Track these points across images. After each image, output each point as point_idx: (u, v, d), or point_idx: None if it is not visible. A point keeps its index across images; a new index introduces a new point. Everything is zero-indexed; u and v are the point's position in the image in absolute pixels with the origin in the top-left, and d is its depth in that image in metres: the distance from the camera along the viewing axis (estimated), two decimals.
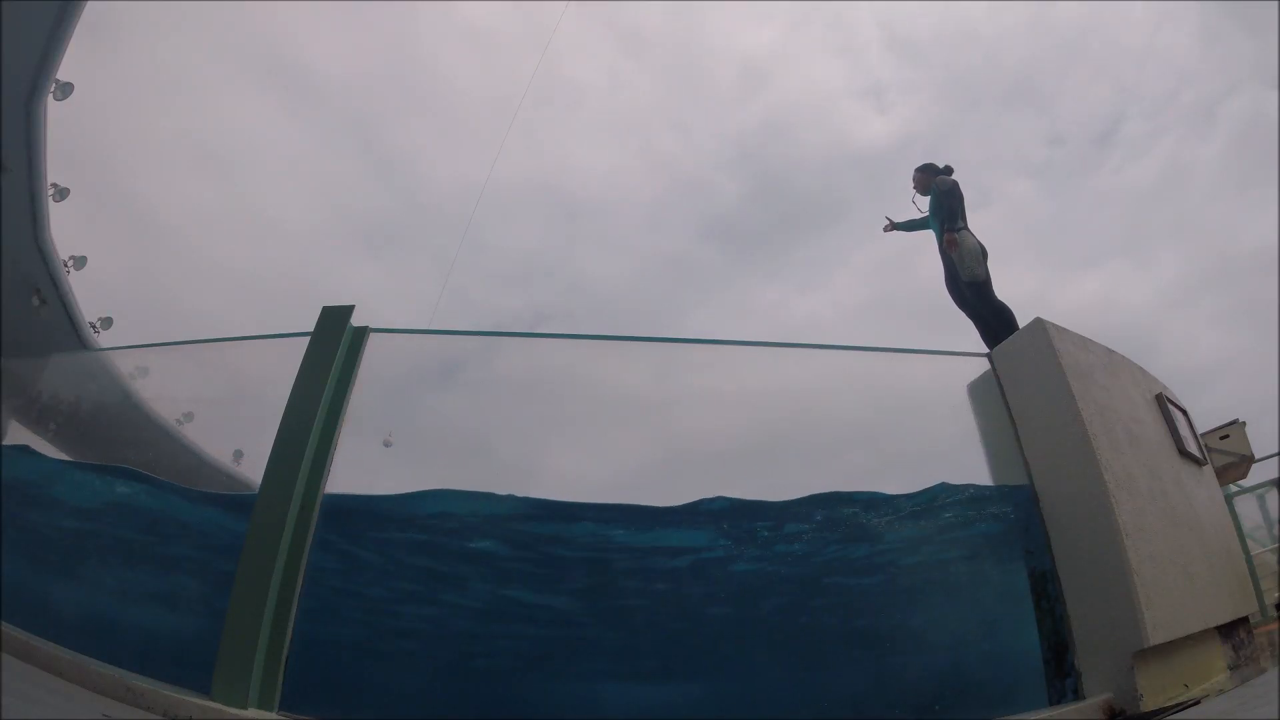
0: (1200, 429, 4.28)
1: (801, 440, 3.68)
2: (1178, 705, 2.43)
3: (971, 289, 4.28)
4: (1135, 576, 2.58)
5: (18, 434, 4.08)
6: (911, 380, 3.62)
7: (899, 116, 36.84)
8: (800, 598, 3.48)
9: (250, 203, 29.25)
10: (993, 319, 4.16)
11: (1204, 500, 3.66)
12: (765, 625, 3.36)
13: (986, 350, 3.60)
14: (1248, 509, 7.58)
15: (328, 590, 3.08)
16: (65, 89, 7.51)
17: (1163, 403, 3.67)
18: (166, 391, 4.16)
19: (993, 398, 3.36)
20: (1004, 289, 4.24)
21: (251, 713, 2.12)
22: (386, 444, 3.41)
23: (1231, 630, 3.38)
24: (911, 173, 4.83)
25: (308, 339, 2.81)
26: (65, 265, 9.20)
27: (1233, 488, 7.01)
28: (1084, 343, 3.32)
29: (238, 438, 3.89)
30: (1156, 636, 2.53)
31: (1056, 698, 2.71)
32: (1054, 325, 3.21)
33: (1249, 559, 5.73)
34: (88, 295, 9.75)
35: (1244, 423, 5.66)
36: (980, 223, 4.47)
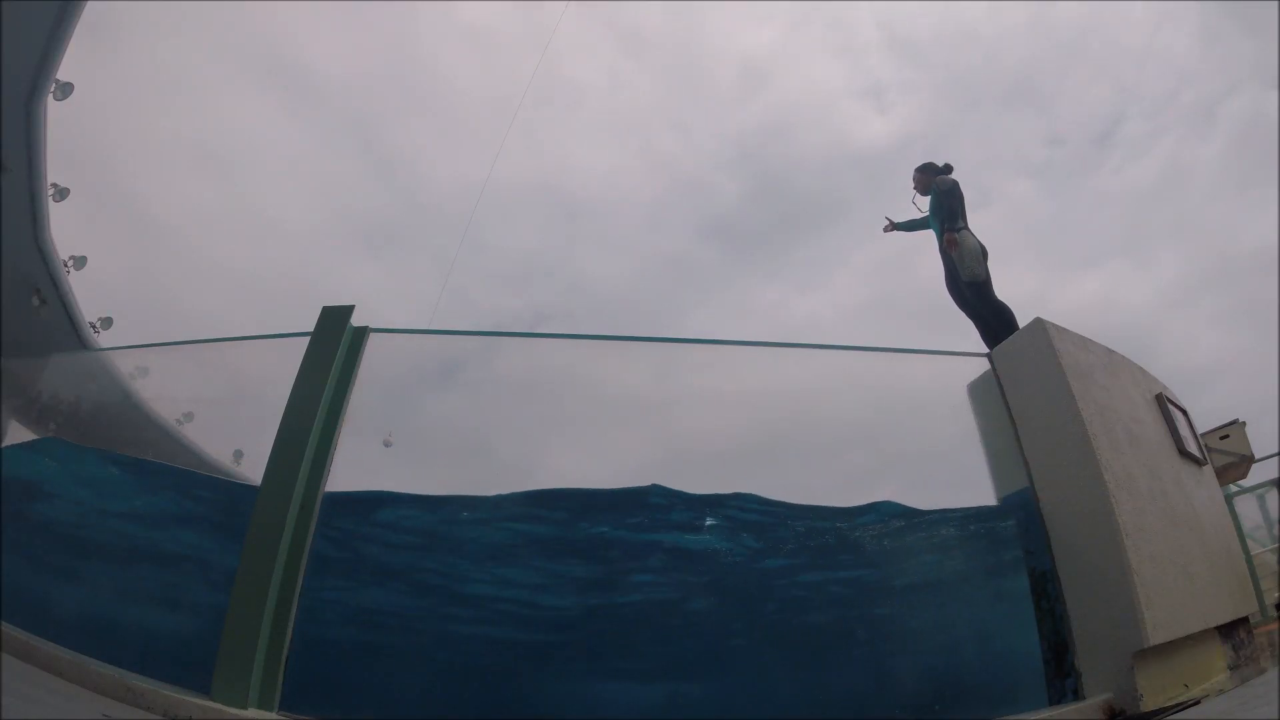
0: (1200, 429, 4.28)
1: (801, 440, 3.68)
2: (1178, 705, 2.43)
3: (971, 289, 4.28)
4: (1135, 576, 2.58)
5: (18, 434, 4.08)
6: (911, 380, 3.62)
7: (899, 116, 36.88)
8: (800, 597, 3.49)
9: (250, 203, 29.28)
10: (993, 319, 4.16)
11: (1204, 500, 3.66)
12: (765, 625, 3.37)
13: (986, 350, 3.60)
14: (1248, 509, 7.58)
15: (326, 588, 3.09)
16: (65, 89, 7.51)
17: (1163, 403, 3.67)
18: (166, 391, 4.15)
19: (993, 398, 3.36)
20: (1004, 289, 4.24)
21: (251, 713, 2.12)
22: (386, 444, 3.41)
23: (1231, 630, 3.37)
24: (911, 173, 4.83)
25: (308, 339, 2.81)
26: (65, 265, 9.19)
27: (1233, 488, 7.01)
28: (1084, 343, 3.32)
29: (238, 438, 3.89)
30: (1156, 636, 2.53)
31: (1056, 698, 2.70)
32: (1054, 325, 3.20)
33: (1249, 559, 5.73)
34: (88, 295, 9.76)
35: (1244, 423, 5.66)
36: (980, 223, 4.47)
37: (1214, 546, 3.49)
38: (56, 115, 7.65)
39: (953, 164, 4.69)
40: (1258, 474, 6.66)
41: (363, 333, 2.86)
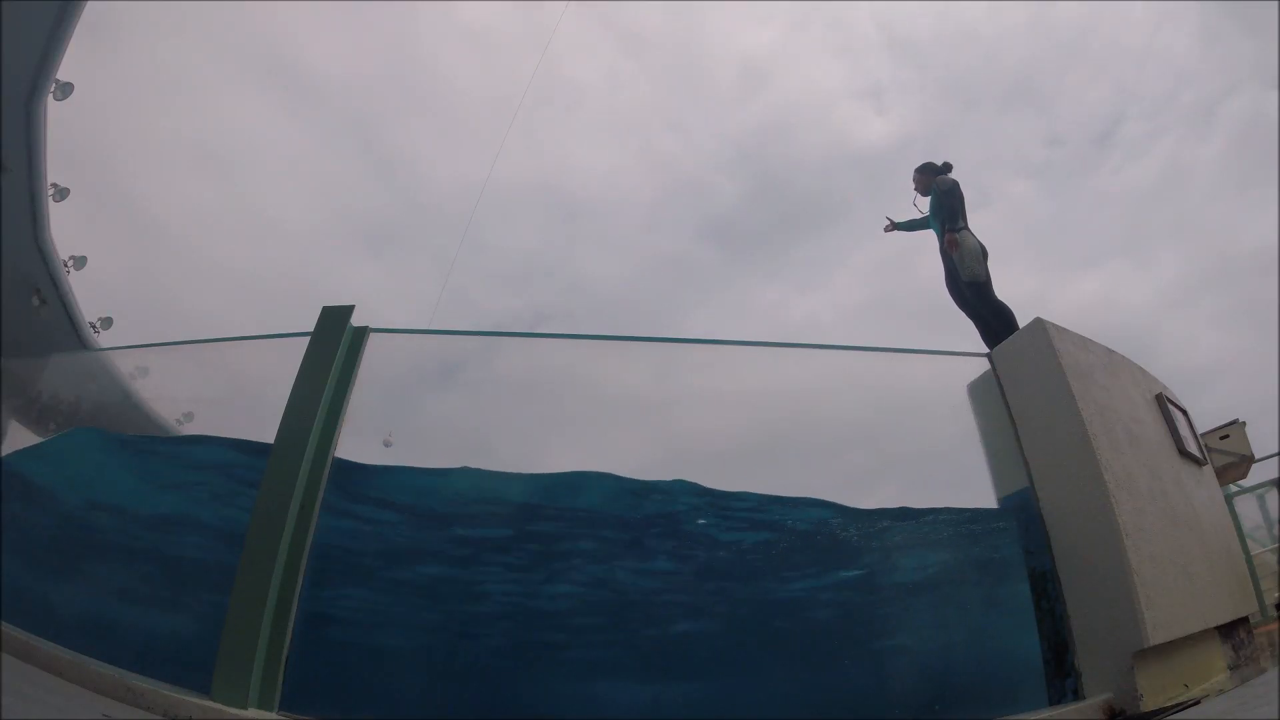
0: (1200, 429, 4.28)
1: (801, 440, 3.68)
2: (1178, 705, 2.43)
3: (971, 289, 4.28)
4: (1135, 576, 2.58)
5: (18, 434, 4.09)
6: (911, 380, 3.62)
7: (898, 117, 36.85)
8: (798, 598, 3.49)
9: (250, 203, 29.26)
10: (993, 319, 4.16)
11: (1204, 500, 3.66)
12: (766, 624, 3.37)
13: (986, 350, 3.60)
14: (1248, 509, 7.58)
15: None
16: (65, 89, 7.51)
17: (1163, 403, 3.67)
18: (166, 391, 4.15)
19: (993, 398, 3.36)
20: (1004, 289, 4.24)
21: (251, 713, 2.12)
22: (386, 444, 3.41)
23: (1231, 630, 3.38)
24: (911, 174, 4.83)
25: (308, 339, 2.81)
26: (65, 265, 9.20)
27: (1233, 488, 7.01)
28: (1084, 343, 3.32)
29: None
30: (1156, 636, 2.53)
31: (1056, 698, 2.70)
32: (1054, 325, 3.21)
33: (1249, 559, 5.73)
34: (88, 295, 9.77)
35: (1244, 423, 5.66)
36: (980, 223, 4.47)
37: (1214, 546, 3.49)
38: (56, 115, 7.66)
39: (952, 164, 4.70)
40: (1258, 474, 6.67)
41: (363, 333, 2.86)
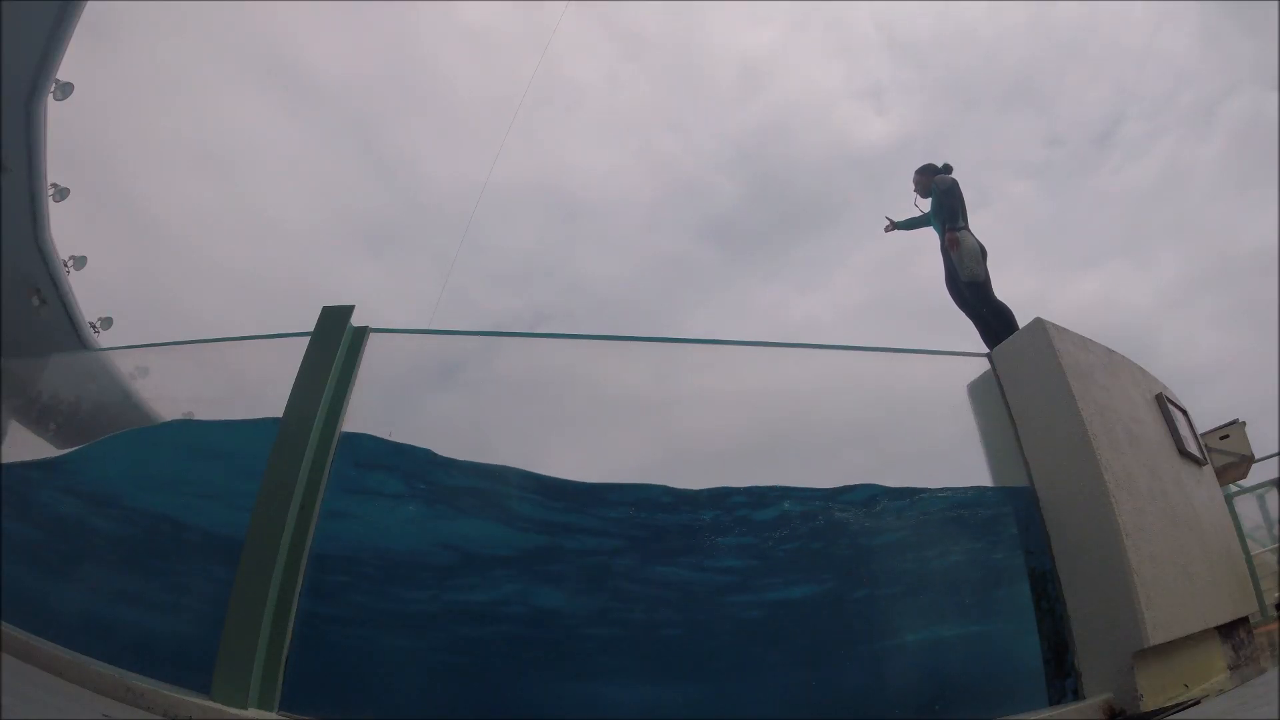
0: (1200, 429, 4.28)
1: (801, 440, 3.67)
2: (1178, 705, 2.43)
3: (971, 289, 4.28)
4: (1135, 576, 2.58)
5: (18, 434, 4.09)
6: (911, 380, 3.62)
7: (898, 117, 36.87)
8: (797, 594, 3.49)
9: (250, 203, 29.28)
10: (993, 319, 4.16)
11: (1204, 500, 3.66)
12: (757, 622, 3.37)
13: (986, 350, 3.60)
14: (1248, 509, 7.58)
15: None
16: (65, 89, 7.52)
17: (1163, 403, 3.67)
18: (166, 391, 4.15)
19: (993, 398, 3.36)
20: (1004, 289, 4.25)
21: (251, 713, 2.12)
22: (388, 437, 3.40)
23: (1231, 630, 3.38)
24: (911, 175, 4.83)
25: (308, 339, 2.80)
26: (65, 265, 9.21)
27: (1233, 488, 7.01)
28: (1084, 343, 3.32)
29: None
30: (1156, 636, 2.53)
31: (1056, 698, 2.70)
32: (1054, 325, 3.21)
33: (1249, 559, 5.73)
34: (88, 295, 9.78)
35: (1244, 423, 5.66)
36: (980, 223, 4.48)
37: (1214, 546, 3.49)
38: (56, 115, 7.66)
39: (951, 164, 4.70)
40: (1258, 474, 6.67)
41: (363, 333, 2.86)
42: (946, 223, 4.44)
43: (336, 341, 2.77)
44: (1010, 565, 3.16)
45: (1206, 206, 33.51)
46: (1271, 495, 7.56)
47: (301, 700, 2.26)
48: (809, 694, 3.06)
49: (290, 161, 31.61)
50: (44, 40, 6.78)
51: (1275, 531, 7.59)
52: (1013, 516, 3.18)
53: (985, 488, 3.44)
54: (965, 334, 4.35)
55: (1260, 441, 5.80)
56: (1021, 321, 3.74)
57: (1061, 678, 2.72)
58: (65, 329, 9.63)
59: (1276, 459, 7.04)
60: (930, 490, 3.46)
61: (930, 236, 4.70)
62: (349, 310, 2.87)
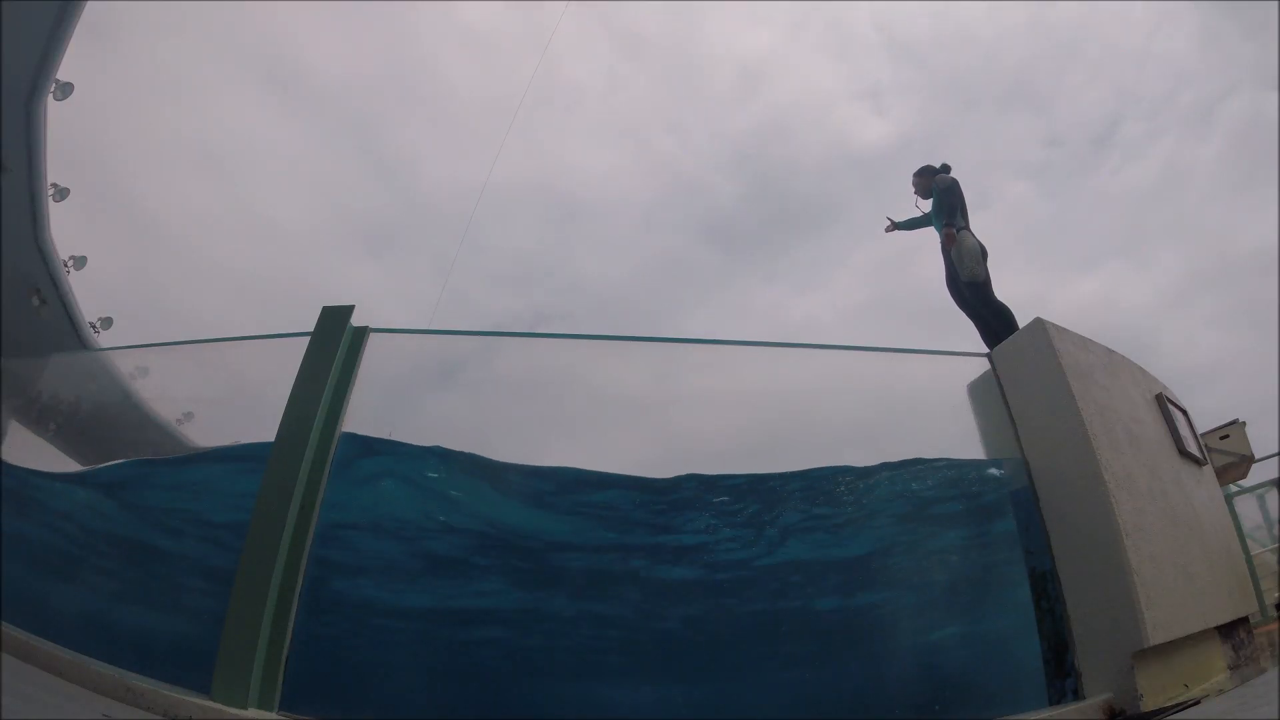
0: (1200, 429, 4.27)
1: (801, 440, 3.67)
2: (1178, 705, 2.43)
3: (971, 289, 4.28)
4: (1135, 576, 2.58)
5: (18, 434, 4.08)
6: (911, 380, 3.62)
7: (897, 117, 36.88)
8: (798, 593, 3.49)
9: (250, 203, 29.27)
10: (993, 319, 4.16)
11: (1204, 500, 3.66)
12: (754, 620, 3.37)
13: (986, 350, 3.60)
14: (1248, 509, 7.57)
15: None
16: (65, 89, 7.51)
17: (1163, 403, 3.67)
18: (166, 391, 4.15)
19: (993, 398, 3.36)
20: (1004, 289, 4.24)
21: (251, 713, 2.12)
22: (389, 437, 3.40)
23: (1231, 630, 3.37)
24: (910, 177, 4.83)
25: (308, 339, 2.80)
26: (65, 265, 9.20)
27: (1233, 488, 7.01)
28: (1084, 343, 3.32)
29: (238, 438, 3.88)
30: (1156, 636, 2.53)
31: (1056, 698, 2.70)
32: (1054, 325, 3.20)
33: (1249, 559, 5.73)
34: (88, 295, 9.76)
35: (1244, 423, 5.66)
36: (979, 223, 4.47)
37: (1214, 546, 3.49)
38: (56, 115, 7.65)
39: (950, 165, 4.70)
40: (1258, 474, 6.66)
41: (363, 333, 2.86)
42: (946, 221, 4.44)
43: (336, 341, 2.76)
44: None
45: (1205, 207, 33.50)
46: (1271, 495, 7.55)
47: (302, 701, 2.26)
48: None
49: (290, 162, 31.61)
50: (44, 40, 6.77)
51: (1275, 531, 7.58)
52: (1013, 516, 3.18)
53: (985, 487, 3.44)
54: (965, 334, 4.35)
55: (1260, 441, 5.79)
56: (1021, 321, 3.74)
57: (1061, 678, 2.72)
58: (65, 329, 9.62)
59: (1276, 459, 7.04)
60: (930, 490, 3.46)
61: (930, 236, 4.69)
62: (349, 310, 2.87)
